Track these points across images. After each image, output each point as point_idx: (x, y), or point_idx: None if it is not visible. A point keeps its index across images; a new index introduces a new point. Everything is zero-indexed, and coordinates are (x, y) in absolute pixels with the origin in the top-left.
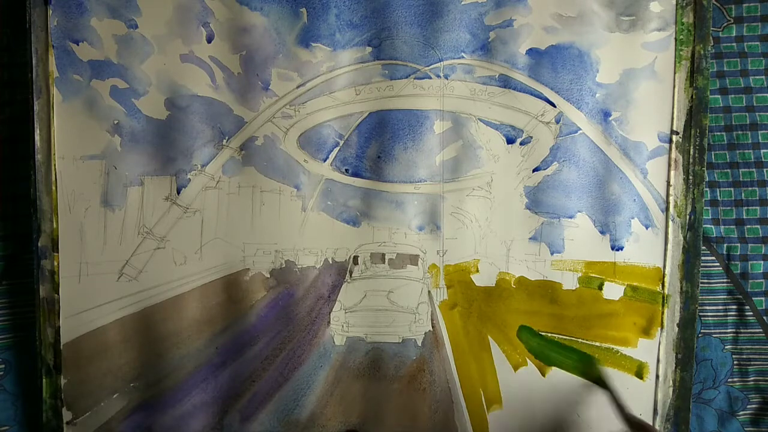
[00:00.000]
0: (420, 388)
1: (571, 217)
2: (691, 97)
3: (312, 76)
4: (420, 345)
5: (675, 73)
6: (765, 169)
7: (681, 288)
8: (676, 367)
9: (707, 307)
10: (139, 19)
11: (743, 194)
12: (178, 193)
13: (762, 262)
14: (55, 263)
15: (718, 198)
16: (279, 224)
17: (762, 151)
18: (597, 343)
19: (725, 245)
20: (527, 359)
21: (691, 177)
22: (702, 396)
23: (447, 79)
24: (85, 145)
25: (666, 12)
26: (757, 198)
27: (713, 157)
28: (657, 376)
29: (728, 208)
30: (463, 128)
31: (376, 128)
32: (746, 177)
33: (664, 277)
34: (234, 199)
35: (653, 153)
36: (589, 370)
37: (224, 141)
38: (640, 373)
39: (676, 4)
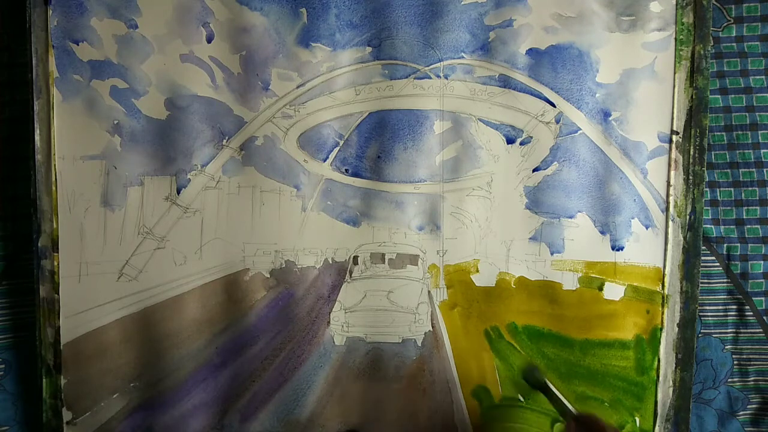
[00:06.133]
0: (420, 388)
1: (571, 217)
2: (691, 97)
3: (312, 76)
4: (420, 345)
5: (675, 73)
6: (765, 169)
7: (681, 288)
8: (676, 367)
9: (707, 307)
10: (139, 19)
11: (743, 194)
12: (178, 193)
13: (762, 262)
14: (55, 263)
15: (718, 198)
16: (279, 224)
17: (762, 151)
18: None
19: (725, 245)
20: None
21: (691, 177)
22: (702, 396)
23: (447, 79)
24: (85, 145)
25: (666, 12)
26: (757, 198)
27: (713, 157)
28: (657, 376)
29: (728, 208)
30: (463, 128)
31: (376, 128)
32: (746, 177)
33: (664, 277)
34: (234, 199)
35: (653, 153)
36: (528, 375)
37: (224, 141)
38: (640, 373)
39: (676, 4)
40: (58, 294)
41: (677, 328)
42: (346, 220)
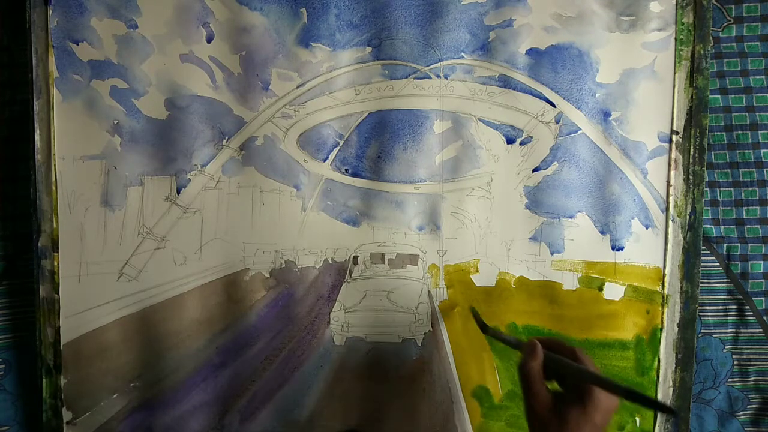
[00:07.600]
0: (420, 388)
1: (571, 217)
2: (691, 97)
3: (312, 76)
4: (420, 345)
5: (675, 73)
6: (765, 169)
7: (681, 288)
8: (676, 367)
9: (707, 307)
10: (139, 19)
11: (743, 194)
12: (178, 193)
13: (762, 262)
14: (55, 263)
15: (718, 198)
16: (279, 224)
17: (762, 151)
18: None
19: (725, 245)
20: None
21: (691, 177)
22: (702, 396)
23: (447, 79)
24: (85, 145)
25: (666, 12)
26: (757, 198)
27: (713, 157)
28: (657, 377)
29: (728, 208)
30: (463, 128)
31: (376, 128)
32: (746, 177)
33: (664, 277)
34: (234, 199)
35: (653, 153)
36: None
37: (224, 141)
38: (640, 373)
39: (676, 4)
40: (58, 294)
41: (677, 328)
42: (346, 220)
